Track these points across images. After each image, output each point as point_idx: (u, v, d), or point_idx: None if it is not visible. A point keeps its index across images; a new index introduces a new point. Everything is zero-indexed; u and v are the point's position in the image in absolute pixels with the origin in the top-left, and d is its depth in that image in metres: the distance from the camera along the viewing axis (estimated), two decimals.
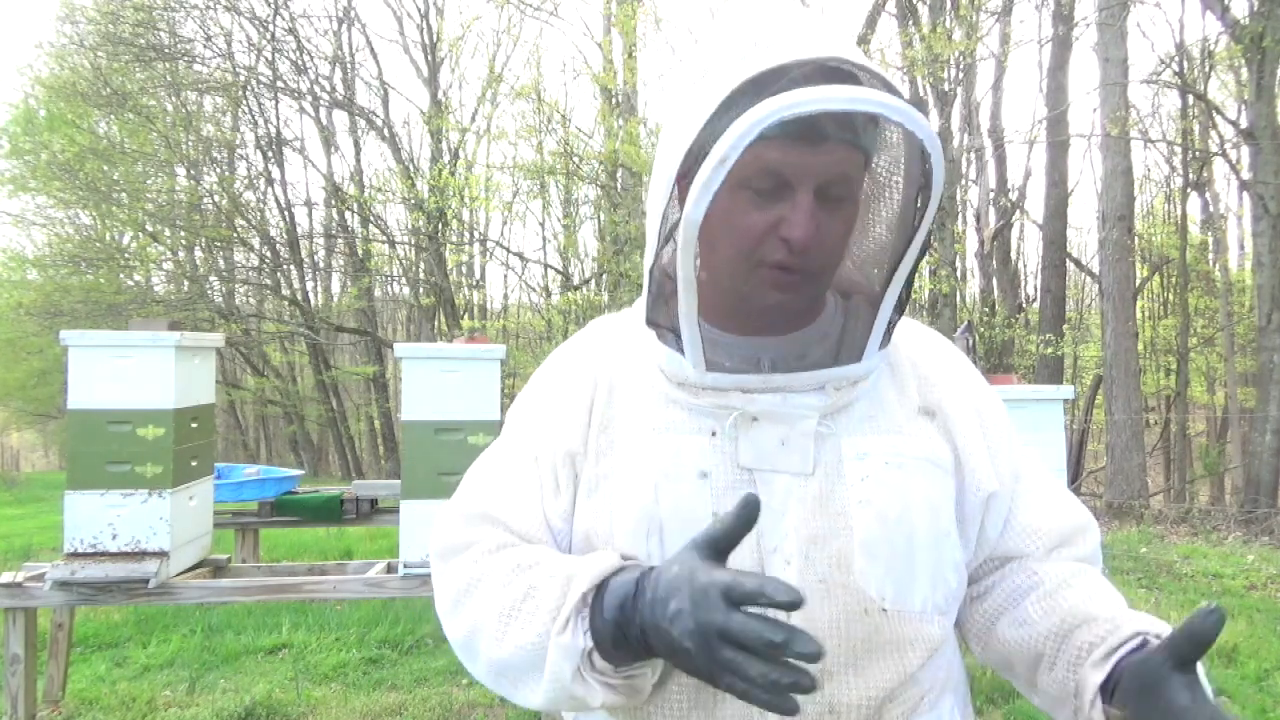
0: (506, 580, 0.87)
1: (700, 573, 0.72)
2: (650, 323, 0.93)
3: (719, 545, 0.75)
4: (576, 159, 13.57)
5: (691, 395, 0.91)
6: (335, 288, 20.06)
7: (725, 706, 0.86)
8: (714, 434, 0.90)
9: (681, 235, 0.82)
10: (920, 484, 0.90)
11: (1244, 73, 11.33)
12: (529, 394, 1.04)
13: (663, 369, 0.94)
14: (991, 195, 14.47)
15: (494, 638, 0.86)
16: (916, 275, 0.91)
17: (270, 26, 14.86)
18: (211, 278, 17.29)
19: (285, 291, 17.13)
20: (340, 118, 17.11)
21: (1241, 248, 17.87)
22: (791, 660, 0.67)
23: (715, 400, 0.90)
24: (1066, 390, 3.82)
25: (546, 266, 17.38)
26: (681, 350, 0.89)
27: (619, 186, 13.18)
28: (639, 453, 0.92)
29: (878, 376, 0.95)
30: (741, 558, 0.85)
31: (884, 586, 0.87)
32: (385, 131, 15.62)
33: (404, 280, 18.62)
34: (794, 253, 0.85)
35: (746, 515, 0.74)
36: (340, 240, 17.67)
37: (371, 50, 22.22)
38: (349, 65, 16.13)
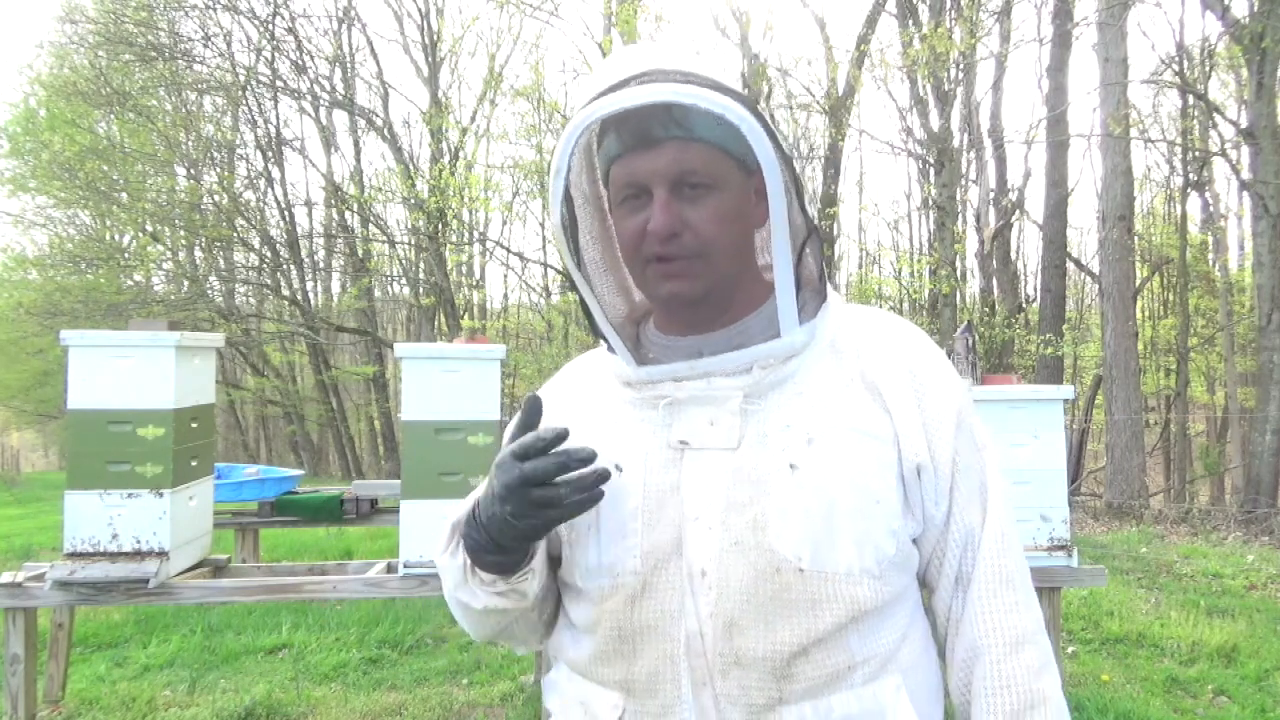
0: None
1: (501, 463, 0.91)
2: (595, 333, 1.06)
3: (521, 444, 0.90)
4: None
5: (636, 392, 1.02)
6: (335, 288, 20.10)
7: (644, 651, 0.96)
8: (651, 421, 1.01)
9: (553, 239, 0.97)
10: (845, 453, 0.95)
11: (1244, 73, 11.33)
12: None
13: (616, 376, 1.05)
14: (991, 195, 14.48)
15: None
16: (806, 250, 0.99)
17: (270, 26, 14.87)
18: (211, 278, 17.29)
19: (285, 291, 17.13)
20: (340, 117, 17.15)
21: (1241, 248, 17.92)
22: (578, 464, 0.88)
23: (653, 393, 1.01)
24: (1066, 390, 3.81)
25: (546, 266, 17.38)
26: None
27: None
28: (591, 443, 1.03)
29: (817, 355, 1.00)
30: (666, 524, 0.96)
31: (800, 547, 0.92)
32: (385, 131, 15.63)
33: (404, 280, 18.64)
34: (661, 242, 0.95)
35: (526, 411, 0.93)
36: (340, 240, 17.68)
37: (371, 50, 22.20)
38: (349, 65, 16.14)
